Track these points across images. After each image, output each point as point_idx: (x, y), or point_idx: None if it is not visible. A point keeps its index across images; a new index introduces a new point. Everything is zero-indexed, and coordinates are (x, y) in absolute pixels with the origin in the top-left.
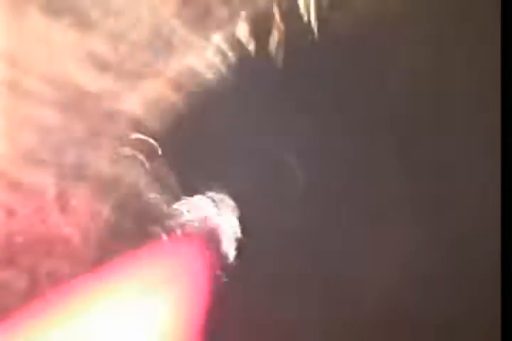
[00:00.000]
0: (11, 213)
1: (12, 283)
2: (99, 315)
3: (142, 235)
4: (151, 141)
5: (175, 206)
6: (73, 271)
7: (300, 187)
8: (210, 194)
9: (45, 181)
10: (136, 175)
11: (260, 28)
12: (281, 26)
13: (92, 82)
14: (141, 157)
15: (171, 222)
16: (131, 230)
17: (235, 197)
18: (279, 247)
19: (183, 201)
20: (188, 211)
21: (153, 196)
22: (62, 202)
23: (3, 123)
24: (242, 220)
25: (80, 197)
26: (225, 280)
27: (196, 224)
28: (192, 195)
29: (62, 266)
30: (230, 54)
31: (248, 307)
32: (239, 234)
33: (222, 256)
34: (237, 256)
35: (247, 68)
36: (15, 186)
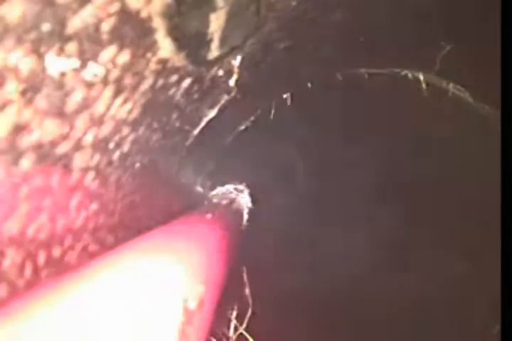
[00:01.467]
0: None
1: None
2: (131, 277)
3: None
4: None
5: (213, 192)
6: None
7: (300, 174)
8: (233, 184)
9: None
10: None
11: None
12: None
13: None
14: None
15: (207, 203)
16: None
17: (249, 185)
18: (281, 215)
19: (217, 189)
20: (220, 195)
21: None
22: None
23: None
24: (253, 198)
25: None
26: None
27: (224, 203)
28: (223, 185)
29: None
30: None
31: (258, 261)
32: (250, 205)
33: (240, 221)
34: (248, 220)
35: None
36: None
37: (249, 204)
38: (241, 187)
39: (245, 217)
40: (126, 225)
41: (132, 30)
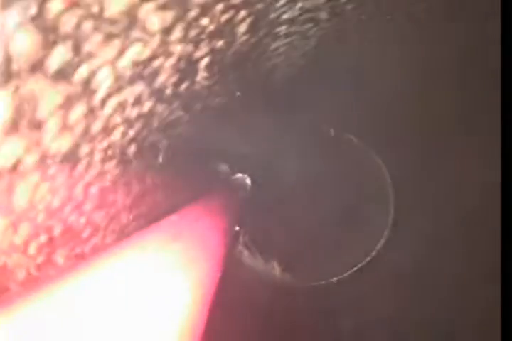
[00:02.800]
0: None
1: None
2: (130, 276)
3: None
4: None
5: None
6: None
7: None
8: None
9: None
10: None
11: None
12: None
13: None
14: None
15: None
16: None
17: (249, 174)
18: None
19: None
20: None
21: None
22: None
23: None
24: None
25: None
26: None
27: (228, 193)
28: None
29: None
30: None
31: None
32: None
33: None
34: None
35: None
36: None
37: (253, 198)
38: (245, 176)
39: (249, 211)
40: (129, 221)
41: None
